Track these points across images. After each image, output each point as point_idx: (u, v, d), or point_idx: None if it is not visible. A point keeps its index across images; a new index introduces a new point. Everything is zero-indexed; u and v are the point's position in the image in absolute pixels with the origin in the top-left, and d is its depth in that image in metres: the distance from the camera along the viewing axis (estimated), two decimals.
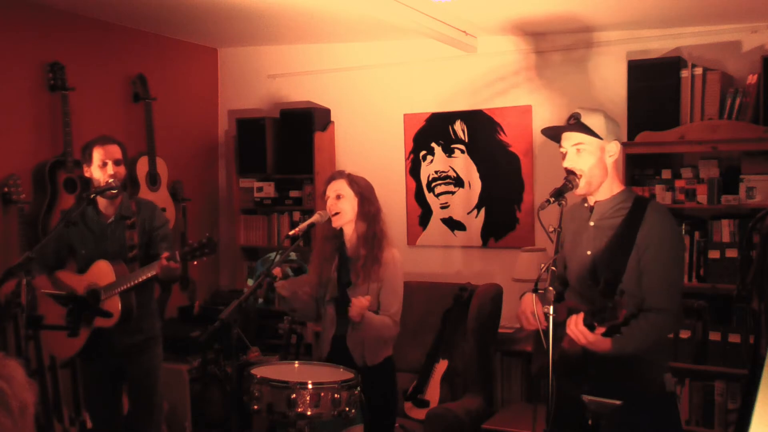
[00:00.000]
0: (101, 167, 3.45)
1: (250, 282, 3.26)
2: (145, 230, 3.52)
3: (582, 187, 2.65)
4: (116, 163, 3.47)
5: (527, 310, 2.66)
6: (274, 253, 3.15)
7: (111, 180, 3.42)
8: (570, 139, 2.64)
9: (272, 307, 4.68)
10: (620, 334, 2.35)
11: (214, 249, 3.25)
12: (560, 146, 2.70)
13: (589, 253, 2.68)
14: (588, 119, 2.63)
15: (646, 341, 2.54)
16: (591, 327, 2.41)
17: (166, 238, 3.55)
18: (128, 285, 3.35)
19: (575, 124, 2.63)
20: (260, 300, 3.43)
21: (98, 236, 3.50)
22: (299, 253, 3.24)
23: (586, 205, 2.75)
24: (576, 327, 2.44)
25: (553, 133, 2.72)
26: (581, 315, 2.44)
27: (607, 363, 2.49)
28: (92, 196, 3.45)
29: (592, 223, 2.70)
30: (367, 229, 3.26)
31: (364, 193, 3.31)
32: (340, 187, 3.29)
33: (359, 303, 3.10)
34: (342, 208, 3.26)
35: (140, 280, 3.34)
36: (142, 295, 3.49)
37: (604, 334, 2.37)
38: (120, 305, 3.37)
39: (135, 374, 3.60)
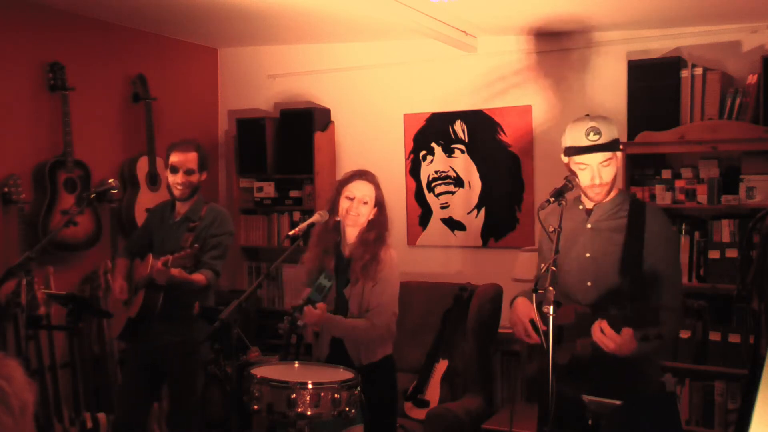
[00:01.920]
0: (173, 172, 3.57)
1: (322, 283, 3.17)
2: (201, 235, 3.55)
3: (602, 194, 2.64)
4: (187, 172, 3.57)
5: (524, 318, 2.61)
6: (327, 280, 3.09)
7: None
8: (596, 157, 2.59)
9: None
10: (662, 338, 2.32)
11: (197, 262, 3.40)
12: (577, 162, 2.63)
13: (588, 255, 2.66)
14: (606, 130, 2.58)
15: (666, 341, 2.54)
16: (616, 331, 2.38)
17: (218, 246, 3.56)
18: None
19: (602, 144, 2.57)
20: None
21: (165, 233, 3.63)
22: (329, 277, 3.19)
23: (581, 207, 2.73)
24: (603, 332, 2.40)
25: (577, 153, 2.63)
26: (605, 320, 2.41)
27: (611, 364, 2.47)
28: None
29: (589, 226, 2.68)
30: (375, 236, 3.24)
31: (383, 201, 3.30)
32: (368, 192, 3.25)
33: (309, 311, 3.08)
34: (363, 212, 3.24)
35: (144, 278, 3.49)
36: (189, 298, 3.47)
37: (643, 339, 2.35)
38: (141, 300, 3.47)
39: (174, 374, 3.63)
